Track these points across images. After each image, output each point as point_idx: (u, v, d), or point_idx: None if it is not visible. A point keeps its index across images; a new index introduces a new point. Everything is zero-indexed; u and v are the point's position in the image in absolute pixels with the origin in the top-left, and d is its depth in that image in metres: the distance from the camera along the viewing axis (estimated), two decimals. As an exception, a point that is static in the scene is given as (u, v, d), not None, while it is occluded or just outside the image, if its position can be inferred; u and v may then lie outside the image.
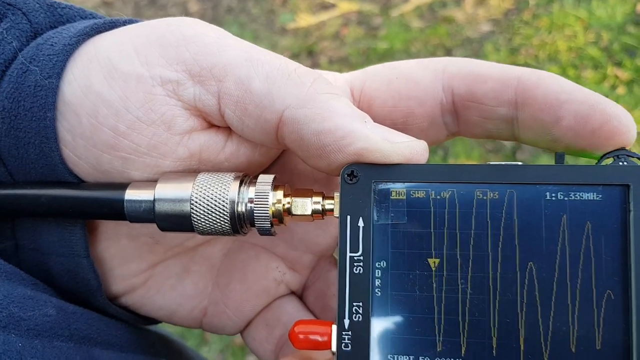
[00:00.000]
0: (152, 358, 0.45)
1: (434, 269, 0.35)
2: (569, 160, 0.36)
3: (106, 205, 0.39)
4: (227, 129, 0.39)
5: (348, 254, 0.36)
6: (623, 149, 0.35)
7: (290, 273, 0.46)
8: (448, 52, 2.49)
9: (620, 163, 0.35)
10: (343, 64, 2.53)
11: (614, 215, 0.34)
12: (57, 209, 0.39)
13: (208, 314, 0.46)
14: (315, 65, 2.53)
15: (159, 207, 0.38)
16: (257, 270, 0.45)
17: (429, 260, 0.35)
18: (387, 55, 2.55)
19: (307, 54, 2.60)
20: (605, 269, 0.34)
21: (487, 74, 0.38)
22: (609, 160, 0.35)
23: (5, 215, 0.41)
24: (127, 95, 0.37)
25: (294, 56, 2.56)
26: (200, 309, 0.45)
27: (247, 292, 0.45)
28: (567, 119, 0.35)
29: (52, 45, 0.38)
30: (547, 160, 1.87)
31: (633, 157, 0.35)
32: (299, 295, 0.48)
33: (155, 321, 0.48)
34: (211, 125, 0.39)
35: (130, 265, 0.43)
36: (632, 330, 0.33)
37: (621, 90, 2.07)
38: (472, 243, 0.35)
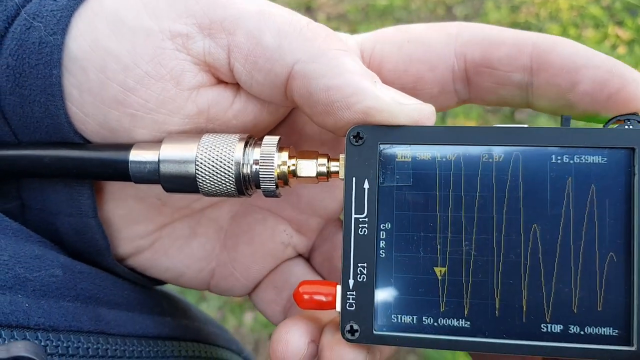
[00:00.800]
0: (158, 317, 0.46)
1: (438, 231, 0.35)
2: (578, 125, 0.36)
3: (110, 166, 0.38)
4: (235, 86, 0.39)
5: (353, 216, 0.36)
6: (635, 114, 0.35)
7: (297, 236, 0.46)
8: (448, 9, 2.46)
9: (626, 127, 0.35)
10: (341, 20, 2.50)
11: (618, 178, 0.34)
12: (61, 169, 0.39)
13: (216, 276, 0.46)
14: (313, 20, 2.50)
15: (163, 168, 0.38)
16: (264, 233, 0.45)
17: (433, 222, 0.36)
18: (386, 12, 2.52)
19: (305, 10, 2.56)
20: (609, 231, 0.34)
21: (501, 40, 0.37)
22: (616, 124, 0.35)
23: (9, 175, 0.41)
24: (136, 50, 0.36)
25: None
26: (207, 271, 0.46)
27: (255, 254, 0.45)
28: (583, 84, 0.35)
29: (55, 0, 0.37)
30: (545, 121, 1.87)
31: None
32: (306, 258, 0.48)
33: (162, 282, 0.48)
34: (219, 82, 0.39)
35: (137, 226, 0.43)
36: (634, 292, 0.33)
37: (622, 49, 2.06)
38: (476, 205, 0.35)
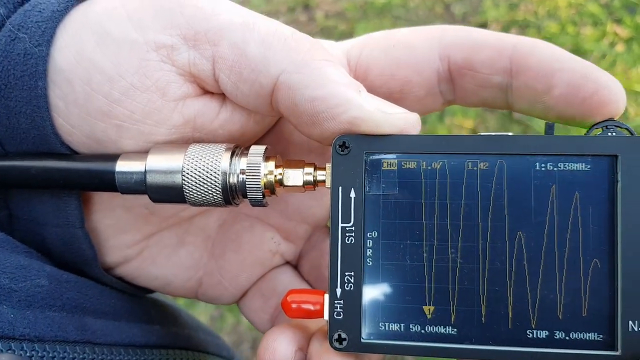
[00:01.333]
0: (145, 325, 0.46)
1: (424, 238, 0.36)
2: (560, 130, 0.37)
3: (97, 177, 0.39)
4: (221, 96, 0.39)
5: (340, 225, 0.37)
6: (612, 119, 0.36)
7: (285, 243, 0.47)
8: (447, 7, 2.47)
9: (609, 134, 0.36)
10: (339, 18, 2.51)
11: (601, 185, 0.35)
12: (48, 180, 0.39)
13: (203, 285, 0.47)
14: (311, 19, 2.50)
15: (150, 178, 0.38)
16: (252, 241, 0.46)
17: (419, 230, 0.36)
18: (384, 10, 2.52)
19: (303, 7, 2.57)
20: (593, 238, 0.35)
21: (483, 42, 0.38)
22: (598, 131, 0.36)
23: None
24: (121, 61, 0.37)
25: (290, 10, 2.54)
26: (195, 279, 0.46)
27: (243, 262, 0.46)
28: (559, 87, 0.36)
29: (40, 12, 0.38)
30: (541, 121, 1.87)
31: (621, 127, 0.36)
32: (294, 265, 0.49)
33: (150, 291, 0.49)
34: (205, 92, 0.39)
35: (125, 236, 0.44)
36: (617, 298, 0.34)
37: (620, 47, 2.06)
38: (462, 213, 0.36)
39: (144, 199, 0.42)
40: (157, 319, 0.49)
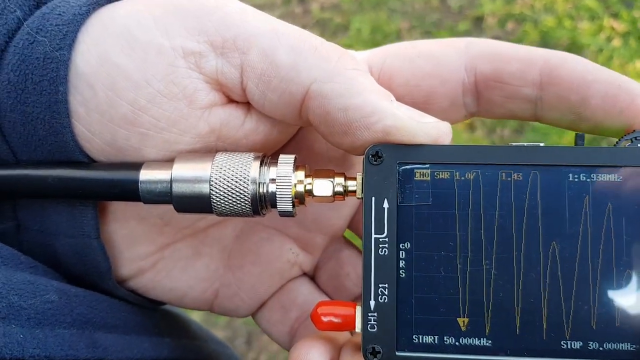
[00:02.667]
0: (156, 338, 0.47)
1: (458, 250, 0.37)
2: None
3: (119, 186, 0.39)
4: (246, 105, 0.40)
5: (373, 236, 0.37)
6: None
7: (303, 254, 0.48)
8: (443, 1, 2.46)
9: (639, 145, 0.37)
10: (335, 10, 2.50)
11: (634, 196, 0.36)
12: (65, 189, 0.39)
13: (219, 297, 0.47)
14: (306, 11, 2.50)
15: (176, 188, 0.38)
16: (270, 252, 0.47)
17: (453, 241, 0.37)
18: (380, 3, 2.54)
19: (299, 0, 2.55)
20: (626, 249, 0.36)
21: (512, 55, 0.40)
22: (627, 142, 0.38)
23: (10, 196, 0.41)
24: (147, 67, 0.37)
25: (285, 2, 2.53)
26: (211, 291, 0.47)
27: (261, 274, 0.47)
28: (595, 98, 0.38)
29: (60, 14, 0.37)
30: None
31: None
32: (311, 276, 0.50)
33: (161, 303, 0.49)
34: (230, 101, 0.40)
35: (139, 247, 0.44)
36: None
37: (617, 42, 2.08)
38: (496, 224, 0.37)
39: (159, 209, 0.43)
40: (168, 332, 0.49)
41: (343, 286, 0.48)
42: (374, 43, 2.42)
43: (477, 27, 2.36)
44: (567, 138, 1.84)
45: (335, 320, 0.38)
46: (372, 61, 0.42)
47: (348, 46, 2.42)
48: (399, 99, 0.39)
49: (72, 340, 0.38)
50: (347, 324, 0.38)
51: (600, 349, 0.36)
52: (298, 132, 0.45)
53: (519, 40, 2.20)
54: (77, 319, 0.39)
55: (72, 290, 0.40)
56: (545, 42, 2.19)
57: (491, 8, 2.37)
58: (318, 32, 2.44)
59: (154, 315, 0.49)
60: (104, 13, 0.38)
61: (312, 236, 0.47)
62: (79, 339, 0.38)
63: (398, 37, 2.45)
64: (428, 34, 2.41)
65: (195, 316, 1.72)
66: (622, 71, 1.96)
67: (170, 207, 0.40)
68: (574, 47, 2.14)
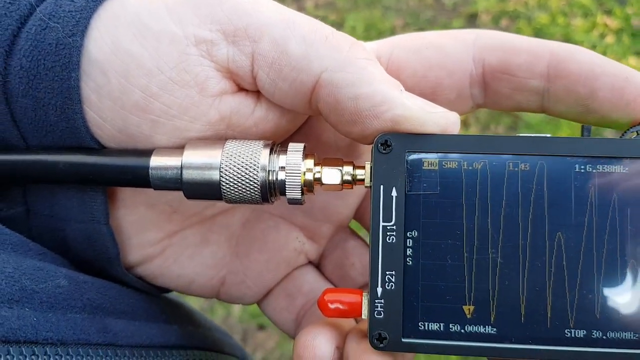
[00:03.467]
0: (164, 325, 0.47)
1: (465, 238, 0.38)
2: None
3: (130, 172, 0.39)
4: (256, 93, 0.41)
5: (381, 223, 0.38)
6: None
7: (309, 243, 0.48)
8: (436, -5, 2.47)
9: None
10: (330, 8, 2.51)
11: (639, 187, 0.37)
12: (76, 175, 0.40)
13: (226, 284, 0.48)
14: (301, 9, 2.50)
15: (186, 174, 0.39)
16: (277, 240, 0.47)
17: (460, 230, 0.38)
18: (374, 1, 2.53)
19: (293, -4, 2.55)
20: (630, 239, 0.37)
21: (520, 47, 0.40)
22: (633, 134, 0.39)
23: (21, 181, 0.42)
24: (160, 55, 0.37)
25: (280, 0, 2.52)
26: (218, 278, 0.48)
27: (268, 262, 0.47)
28: (603, 91, 0.38)
29: (73, 1, 0.38)
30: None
31: None
32: (316, 265, 0.50)
33: (167, 291, 0.50)
34: (240, 89, 0.40)
35: (147, 234, 0.44)
36: None
37: (610, 39, 2.10)
38: (503, 213, 0.38)
39: (168, 196, 0.43)
40: (174, 319, 0.50)
41: (348, 276, 0.48)
42: (368, 41, 2.42)
43: (471, 24, 2.37)
44: (562, 134, 1.85)
45: (342, 307, 0.38)
46: (380, 52, 0.43)
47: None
48: (407, 89, 0.39)
49: (83, 324, 0.38)
50: (353, 311, 0.38)
51: (604, 337, 0.36)
52: (306, 121, 0.45)
53: (512, 37, 2.21)
54: (87, 304, 0.39)
55: (81, 277, 0.41)
56: (539, 39, 2.20)
57: (485, 5, 2.38)
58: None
59: (160, 302, 0.49)
60: (116, 0, 0.38)
61: (318, 225, 0.48)
62: (91, 324, 0.39)
63: (392, 34, 2.43)
64: (422, 31, 2.41)
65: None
66: (615, 69, 1.97)
67: (179, 194, 0.40)
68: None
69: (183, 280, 0.47)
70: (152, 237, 0.44)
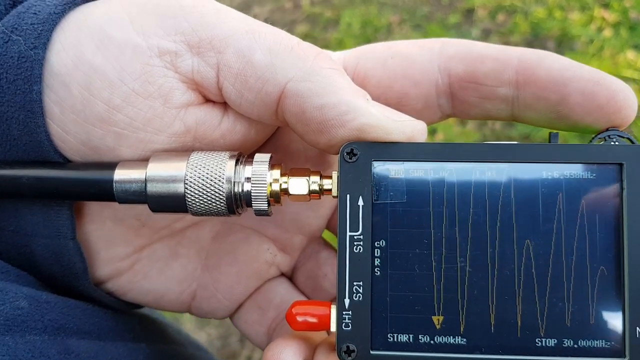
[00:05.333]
0: (131, 344, 0.47)
1: (433, 247, 0.38)
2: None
3: (94, 186, 0.39)
4: (223, 105, 0.41)
5: (348, 233, 0.38)
6: (614, 129, 0.38)
7: (281, 255, 0.49)
8: (433, -6, 2.47)
9: (613, 143, 0.38)
10: (325, 5, 2.51)
11: (607, 193, 0.37)
12: (40, 190, 0.40)
13: (197, 298, 0.48)
14: (296, 6, 2.49)
15: (151, 187, 0.39)
16: (248, 253, 0.48)
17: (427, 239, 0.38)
18: (373, -3, 2.52)
19: (290, -5, 2.55)
20: (599, 246, 0.37)
21: (486, 54, 0.40)
22: (601, 141, 0.39)
23: None
24: (123, 66, 0.37)
25: (276, -3, 2.52)
26: (189, 292, 0.48)
27: (238, 274, 0.48)
28: (574, 96, 0.38)
29: (35, 13, 0.38)
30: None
31: (623, 137, 0.38)
32: (289, 276, 0.51)
33: (139, 306, 0.50)
34: (207, 100, 0.41)
35: (116, 248, 0.45)
36: (625, 305, 0.37)
37: (608, 32, 2.09)
38: (470, 222, 0.38)
39: (136, 209, 0.43)
40: (144, 336, 0.50)
41: (321, 287, 0.48)
42: (364, 37, 2.42)
43: (468, 19, 2.36)
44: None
45: (311, 319, 0.39)
46: (347, 62, 0.43)
47: (339, 41, 2.42)
48: (373, 99, 0.39)
49: (43, 346, 0.38)
50: (322, 324, 0.38)
51: (575, 346, 0.37)
52: (276, 132, 0.45)
53: (510, 32, 2.21)
54: (48, 325, 0.39)
55: (44, 297, 0.41)
56: (536, 33, 2.19)
57: (482, 0, 2.37)
58: (308, 26, 2.44)
59: (130, 319, 0.49)
60: (80, 12, 0.39)
61: (290, 236, 0.48)
62: (51, 346, 0.39)
63: (389, 31, 2.46)
64: (419, 27, 2.41)
65: (187, 315, 1.73)
66: (613, 62, 1.97)
67: (147, 207, 0.40)
68: (565, 38, 2.15)
69: (153, 295, 0.47)
70: (120, 252, 0.44)
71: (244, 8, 2.58)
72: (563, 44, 2.17)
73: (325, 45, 2.35)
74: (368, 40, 2.48)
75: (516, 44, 2.20)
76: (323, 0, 2.58)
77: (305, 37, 2.41)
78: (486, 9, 2.37)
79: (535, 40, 2.19)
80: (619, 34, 2.11)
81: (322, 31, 2.50)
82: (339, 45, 2.36)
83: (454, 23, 2.36)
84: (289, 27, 2.49)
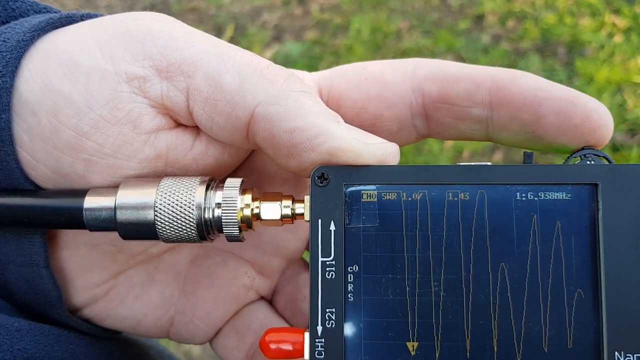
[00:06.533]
0: None
1: (406, 272, 0.38)
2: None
3: (64, 214, 0.39)
4: (194, 129, 0.41)
5: (320, 259, 0.38)
6: (590, 147, 0.38)
7: (259, 278, 0.49)
8: (443, 0, 2.46)
9: (588, 162, 0.38)
10: (335, 11, 2.52)
11: (583, 214, 0.37)
12: (11, 218, 0.40)
13: (175, 324, 0.48)
14: (306, 13, 2.50)
15: (120, 214, 0.39)
16: (225, 277, 0.48)
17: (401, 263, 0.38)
18: (380, 3, 2.56)
19: (298, 1, 2.57)
20: (576, 268, 0.37)
21: (459, 75, 0.40)
22: (576, 160, 0.39)
23: None
24: (91, 93, 0.38)
25: (285, 3, 2.55)
26: (166, 318, 0.48)
27: (216, 299, 0.47)
28: (548, 117, 0.38)
29: (4, 41, 0.38)
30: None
31: (599, 155, 0.38)
32: (269, 300, 0.50)
33: (118, 332, 0.50)
34: (178, 125, 0.41)
35: (91, 275, 0.45)
36: (603, 329, 0.36)
37: (618, 38, 2.08)
38: (444, 245, 0.38)
39: (111, 235, 0.43)
40: None
41: (301, 310, 0.48)
42: (374, 43, 2.43)
43: (478, 25, 2.36)
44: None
45: (284, 347, 0.38)
46: (322, 83, 0.43)
47: (348, 47, 2.43)
48: (347, 121, 0.39)
49: None
50: (296, 351, 0.38)
51: None
52: (251, 155, 0.46)
53: (520, 38, 2.20)
54: (18, 355, 0.39)
55: (15, 325, 0.40)
56: (546, 39, 2.19)
57: (492, 6, 2.37)
58: (318, 33, 2.45)
59: (107, 345, 0.49)
60: (48, 39, 0.39)
61: (268, 259, 0.48)
62: None
63: (398, 37, 2.46)
64: (428, 33, 2.42)
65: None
66: (624, 67, 1.96)
67: None
68: (576, 44, 2.14)
69: (130, 321, 0.47)
70: (96, 278, 0.44)
71: (254, 15, 2.59)
72: (573, 50, 2.16)
73: (335, 51, 2.37)
74: (377, 47, 2.49)
75: (526, 50, 2.20)
76: (333, 6, 2.59)
77: (314, 43, 2.43)
78: (496, 15, 2.37)
79: (545, 46, 2.18)
80: (630, 39, 2.10)
81: (331, 37, 2.51)
82: (349, 52, 2.37)
83: (464, 29, 2.36)
84: (299, 34, 2.50)
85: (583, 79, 2.06)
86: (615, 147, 1.86)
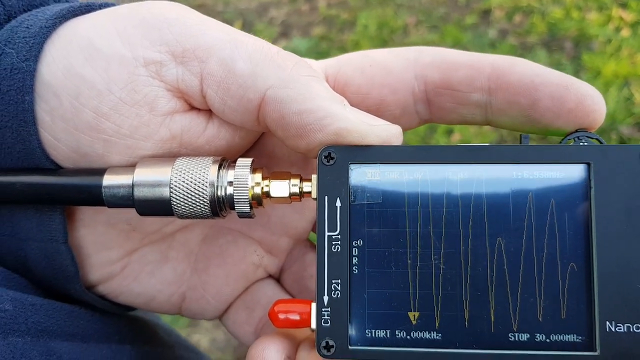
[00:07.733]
0: (116, 345, 0.50)
1: (408, 246, 0.40)
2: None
3: (84, 191, 0.42)
4: (207, 112, 0.44)
5: (326, 233, 0.41)
6: (583, 130, 0.40)
7: (268, 257, 0.51)
8: (450, -5, 2.49)
9: (581, 144, 0.40)
10: (342, 7, 2.54)
11: (576, 192, 0.39)
12: (33, 195, 0.42)
13: (187, 300, 0.51)
14: (313, 8, 2.52)
15: (137, 192, 0.42)
16: (235, 255, 0.50)
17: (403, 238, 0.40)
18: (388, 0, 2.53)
19: (306, -3, 2.58)
20: (569, 243, 0.39)
21: (460, 62, 0.43)
22: (571, 142, 0.41)
23: None
24: (110, 76, 0.40)
25: (292, 0, 2.55)
26: (178, 294, 0.50)
27: (226, 276, 0.50)
28: (544, 101, 0.40)
29: (27, 27, 0.41)
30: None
31: (592, 137, 0.40)
32: (276, 278, 0.53)
33: (131, 308, 0.53)
34: (192, 108, 0.43)
35: (107, 252, 0.47)
36: (594, 300, 0.39)
37: (625, 32, 2.10)
38: (444, 221, 0.40)
39: (127, 214, 0.46)
40: (129, 338, 0.52)
41: (307, 288, 0.51)
42: (380, 39, 2.45)
43: (485, 20, 2.38)
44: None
45: (292, 317, 0.41)
46: (329, 70, 0.46)
47: (355, 42, 2.45)
48: (353, 105, 0.42)
49: (25, 348, 0.41)
50: (303, 321, 0.41)
51: (547, 340, 0.39)
52: (260, 138, 0.48)
53: (526, 33, 2.22)
54: (32, 328, 0.42)
55: (29, 299, 0.43)
56: (553, 33, 2.20)
57: (498, 1, 2.39)
58: (325, 29, 2.48)
59: (117, 321, 0.51)
60: (69, 26, 0.42)
61: (276, 239, 0.51)
62: (33, 347, 0.41)
63: (405, 32, 2.48)
64: (435, 28, 2.44)
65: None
66: (631, 61, 1.97)
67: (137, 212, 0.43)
68: (583, 38, 2.16)
69: (143, 297, 0.49)
70: (112, 256, 0.47)
71: (261, 11, 2.62)
72: (580, 44, 2.18)
73: (342, 46, 2.39)
74: (384, 42, 2.51)
75: (533, 45, 2.22)
76: (340, 2, 2.61)
77: (321, 39, 2.45)
78: (503, 10, 2.39)
79: (552, 40, 2.20)
80: (637, 33, 2.12)
81: (338, 33, 2.53)
82: (356, 47, 2.39)
83: (471, 24, 2.38)
84: (306, 30, 2.52)
85: (590, 73, 2.07)
86: (622, 140, 1.88)
